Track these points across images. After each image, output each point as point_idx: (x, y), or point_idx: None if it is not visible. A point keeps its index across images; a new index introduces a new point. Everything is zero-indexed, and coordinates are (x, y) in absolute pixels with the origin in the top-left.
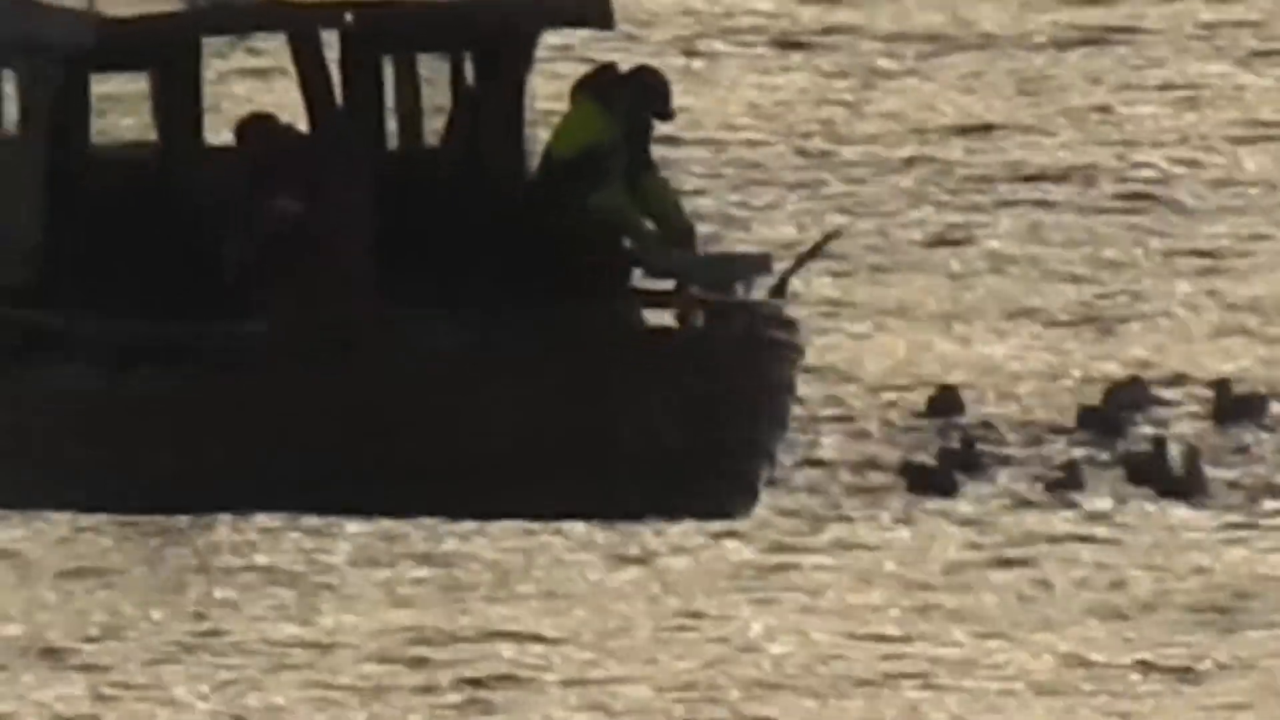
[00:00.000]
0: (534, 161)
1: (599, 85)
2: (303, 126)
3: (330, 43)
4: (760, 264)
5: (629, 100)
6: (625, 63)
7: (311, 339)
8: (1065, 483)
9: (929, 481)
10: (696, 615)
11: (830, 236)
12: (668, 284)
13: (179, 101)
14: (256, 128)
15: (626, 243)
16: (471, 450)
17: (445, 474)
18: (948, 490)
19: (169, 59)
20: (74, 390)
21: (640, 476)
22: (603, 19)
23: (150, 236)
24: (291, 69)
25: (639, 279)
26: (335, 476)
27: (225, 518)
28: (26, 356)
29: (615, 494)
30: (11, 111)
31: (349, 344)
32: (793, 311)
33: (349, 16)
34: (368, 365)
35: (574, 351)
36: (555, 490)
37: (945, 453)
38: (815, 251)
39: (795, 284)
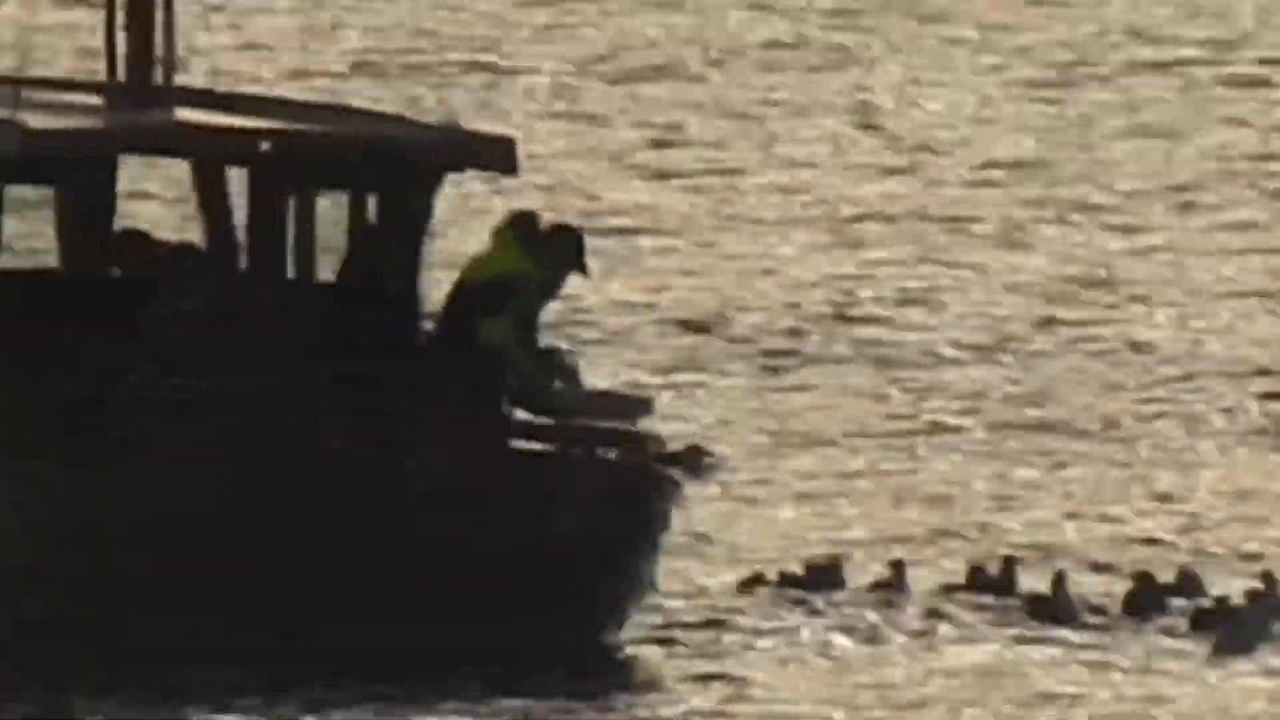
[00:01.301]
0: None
1: (525, 230)
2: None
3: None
4: (643, 405)
5: (552, 253)
6: None
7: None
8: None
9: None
10: None
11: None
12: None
13: (89, 215)
14: (135, 242)
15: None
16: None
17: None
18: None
19: (83, 174)
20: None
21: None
22: (507, 164)
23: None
24: None
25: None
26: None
27: None
28: None
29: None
30: None
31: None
32: None
33: (265, 145)
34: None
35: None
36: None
37: None
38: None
39: None
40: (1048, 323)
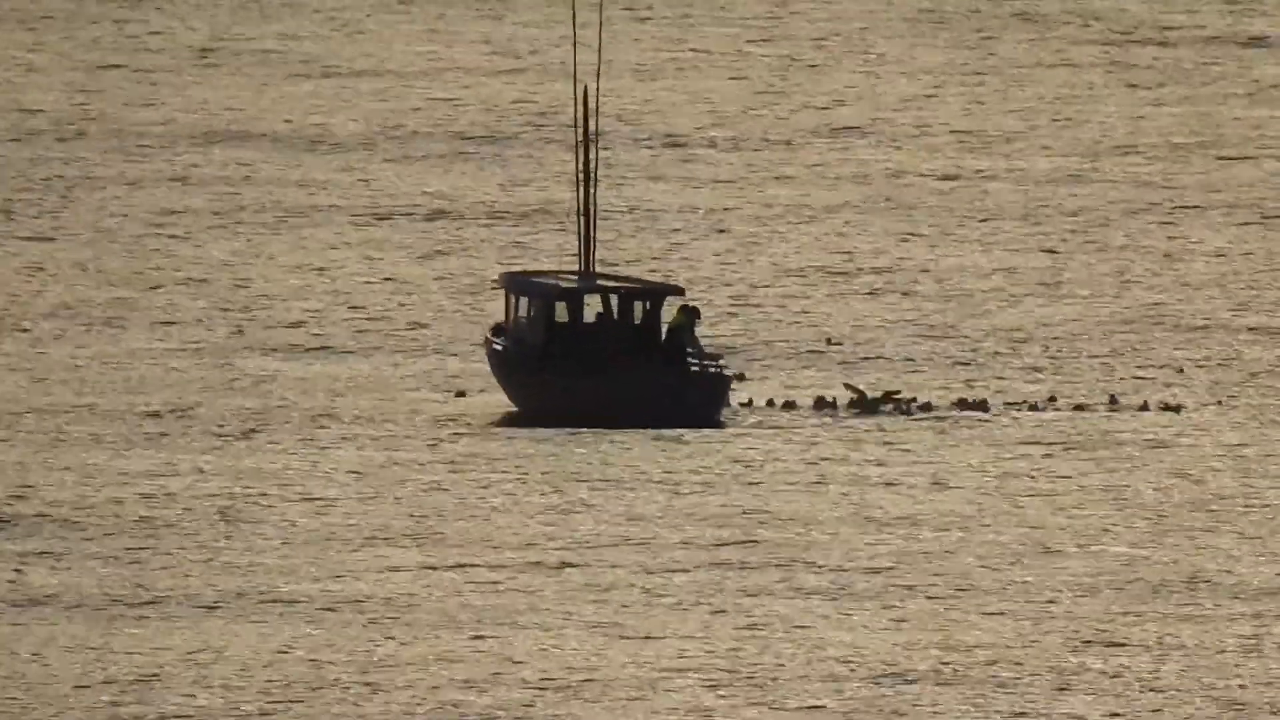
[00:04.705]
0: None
1: (683, 308)
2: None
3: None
4: (719, 355)
5: (688, 314)
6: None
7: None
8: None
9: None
10: None
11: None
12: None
13: (577, 314)
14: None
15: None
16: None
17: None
18: None
19: (577, 297)
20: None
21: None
22: (679, 292)
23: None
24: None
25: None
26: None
27: None
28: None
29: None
30: None
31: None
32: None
33: (624, 287)
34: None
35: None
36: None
37: None
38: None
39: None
40: None
